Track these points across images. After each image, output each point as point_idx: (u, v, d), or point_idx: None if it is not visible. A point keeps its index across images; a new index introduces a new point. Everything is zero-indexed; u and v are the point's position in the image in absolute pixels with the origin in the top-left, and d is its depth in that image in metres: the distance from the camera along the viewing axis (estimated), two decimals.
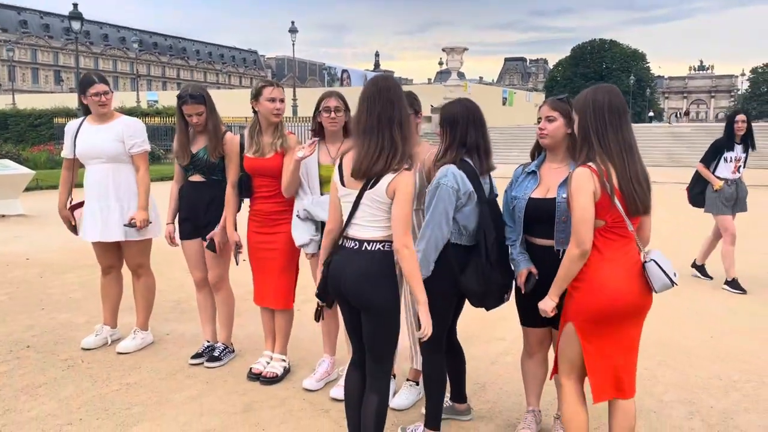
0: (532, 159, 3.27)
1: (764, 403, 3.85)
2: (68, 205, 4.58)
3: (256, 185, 4.03)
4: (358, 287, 2.74)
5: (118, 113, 4.50)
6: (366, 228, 2.75)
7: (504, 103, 50.79)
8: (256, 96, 3.95)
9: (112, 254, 4.60)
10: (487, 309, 3.21)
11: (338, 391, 3.71)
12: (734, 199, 6.49)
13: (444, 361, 3.31)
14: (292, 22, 42.94)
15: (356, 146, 2.75)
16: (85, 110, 4.45)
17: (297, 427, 3.51)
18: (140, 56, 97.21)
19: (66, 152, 4.53)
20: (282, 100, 3.96)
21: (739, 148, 6.43)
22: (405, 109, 2.82)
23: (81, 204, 4.51)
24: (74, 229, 4.58)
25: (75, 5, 28.83)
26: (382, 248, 2.74)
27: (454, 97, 23.19)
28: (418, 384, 3.83)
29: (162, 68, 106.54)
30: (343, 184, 2.80)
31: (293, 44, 43.72)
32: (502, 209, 3.26)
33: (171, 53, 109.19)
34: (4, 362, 4.42)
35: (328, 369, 4.08)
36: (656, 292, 2.75)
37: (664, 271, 2.70)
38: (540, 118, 3.13)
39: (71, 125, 4.53)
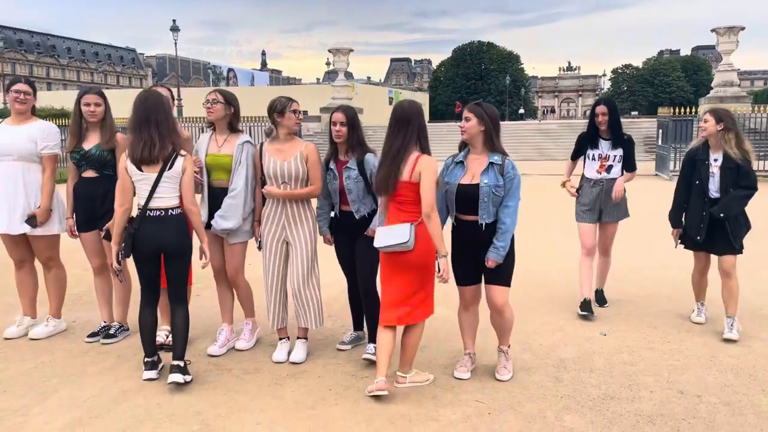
0: (460, 151, 4.13)
1: (579, 338, 4.94)
2: None
3: None
4: (176, 240, 4.00)
5: (35, 117, 4.88)
6: (167, 199, 3.95)
7: (390, 103, 52.48)
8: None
9: (22, 248, 4.94)
10: None
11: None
12: (597, 205, 5.49)
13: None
14: (174, 21, 41.88)
15: (131, 141, 3.93)
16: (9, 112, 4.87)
17: (204, 382, 4.13)
18: (4, 54, 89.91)
19: None
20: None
21: (605, 144, 5.46)
22: (162, 113, 3.96)
23: None
24: None
25: None
26: (179, 212, 3.99)
27: (342, 97, 24.32)
28: (306, 340, 4.62)
29: (29, 67, 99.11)
30: (140, 169, 3.91)
31: (175, 43, 42.66)
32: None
33: (39, 51, 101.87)
34: None
35: (227, 336, 4.73)
36: None
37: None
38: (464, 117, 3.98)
39: None
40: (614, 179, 5.46)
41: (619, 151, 5.45)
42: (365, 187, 4.30)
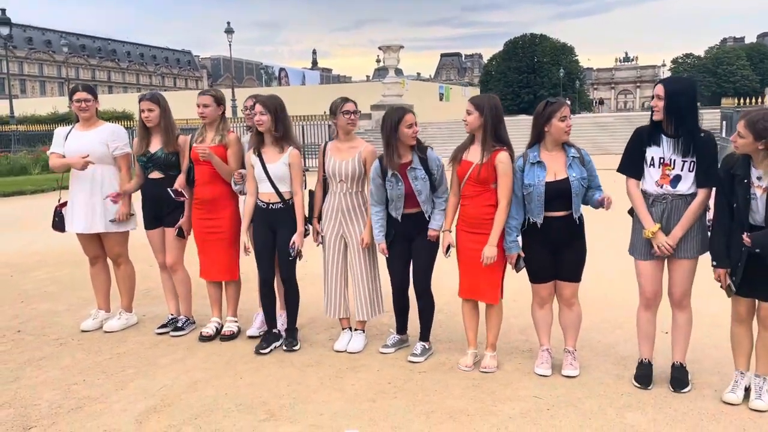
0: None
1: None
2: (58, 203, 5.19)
3: (198, 173, 4.78)
4: None
5: (103, 120, 5.16)
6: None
7: (441, 99, 52.12)
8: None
9: (95, 245, 5.23)
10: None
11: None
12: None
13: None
14: (228, 23, 42.87)
15: None
16: (77, 117, 5.12)
17: (268, 374, 4.29)
18: (68, 59, 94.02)
19: (54, 149, 5.04)
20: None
21: (667, 143, 3.78)
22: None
23: (65, 203, 5.14)
24: (59, 224, 5.17)
25: (3, 10, 28.28)
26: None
27: (393, 94, 24.34)
28: (363, 331, 4.79)
29: (92, 71, 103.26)
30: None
31: (230, 45, 43.62)
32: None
33: (100, 55, 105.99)
34: (1, 344, 5.00)
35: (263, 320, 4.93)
36: None
37: None
38: (564, 116, 4.01)
39: (61, 130, 5.14)
40: (684, 197, 3.78)
41: (692, 157, 3.75)
42: (431, 185, 4.33)
